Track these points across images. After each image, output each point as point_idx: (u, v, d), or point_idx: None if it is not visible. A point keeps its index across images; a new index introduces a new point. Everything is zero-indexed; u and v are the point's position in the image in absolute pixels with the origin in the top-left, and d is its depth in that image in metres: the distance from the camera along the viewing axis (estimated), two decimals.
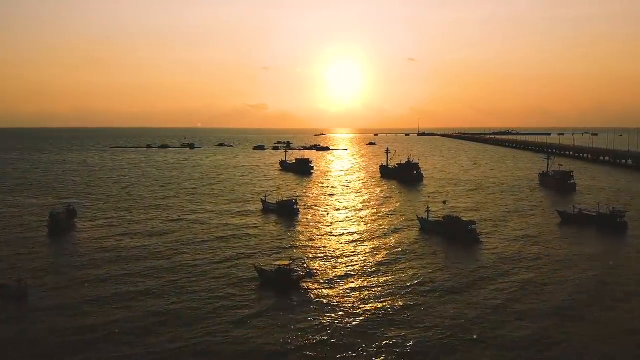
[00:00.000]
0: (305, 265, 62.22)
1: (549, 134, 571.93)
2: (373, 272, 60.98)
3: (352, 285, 56.50)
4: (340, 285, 56.35)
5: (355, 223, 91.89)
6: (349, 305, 50.33)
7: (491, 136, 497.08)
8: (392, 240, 78.12)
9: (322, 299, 51.88)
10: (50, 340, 42.82)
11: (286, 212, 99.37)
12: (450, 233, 78.53)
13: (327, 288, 55.36)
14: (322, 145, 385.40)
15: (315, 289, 54.82)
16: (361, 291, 54.44)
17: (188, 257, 67.08)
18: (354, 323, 46.05)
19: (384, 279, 58.55)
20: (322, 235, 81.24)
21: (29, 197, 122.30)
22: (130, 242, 75.86)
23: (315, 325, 45.42)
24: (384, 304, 50.65)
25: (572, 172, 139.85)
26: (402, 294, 53.39)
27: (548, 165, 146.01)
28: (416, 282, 57.15)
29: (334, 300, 51.55)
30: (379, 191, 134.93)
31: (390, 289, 55.13)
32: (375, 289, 54.96)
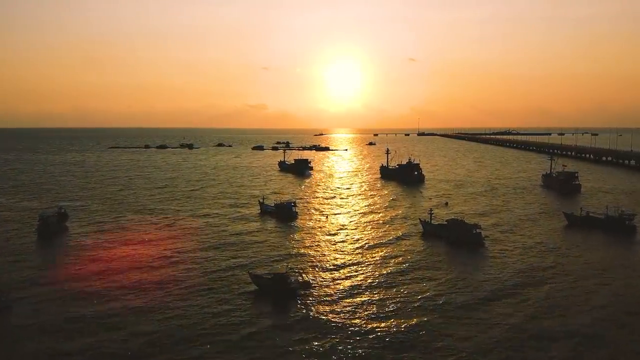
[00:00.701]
0: (303, 274, 59.31)
1: (549, 134, 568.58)
2: (377, 284, 57.61)
3: (355, 299, 52.89)
4: (342, 299, 52.90)
5: (356, 226, 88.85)
6: (353, 323, 46.81)
7: (491, 136, 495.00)
8: (395, 245, 75.04)
9: (322, 316, 48.34)
10: None
11: (284, 214, 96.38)
12: (453, 236, 75.72)
13: (328, 303, 51.85)
14: (321, 145, 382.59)
15: (315, 304, 51.38)
16: (365, 306, 50.92)
17: (181, 267, 63.84)
18: (359, 345, 42.43)
19: (389, 291, 55.07)
20: (321, 241, 78.13)
21: (23, 199, 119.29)
22: (121, 250, 72.50)
23: (317, 348, 41.97)
24: (390, 321, 47.05)
25: (577, 172, 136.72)
26: (409, 309, 49.83)
27: (551, 166, 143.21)
28: (424, 295, 53.54)
29: (336, 318, 47.98)
30: (379, 193, 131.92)
31: (396, 303, 51.57)
32: (380, 304, 51.47)
